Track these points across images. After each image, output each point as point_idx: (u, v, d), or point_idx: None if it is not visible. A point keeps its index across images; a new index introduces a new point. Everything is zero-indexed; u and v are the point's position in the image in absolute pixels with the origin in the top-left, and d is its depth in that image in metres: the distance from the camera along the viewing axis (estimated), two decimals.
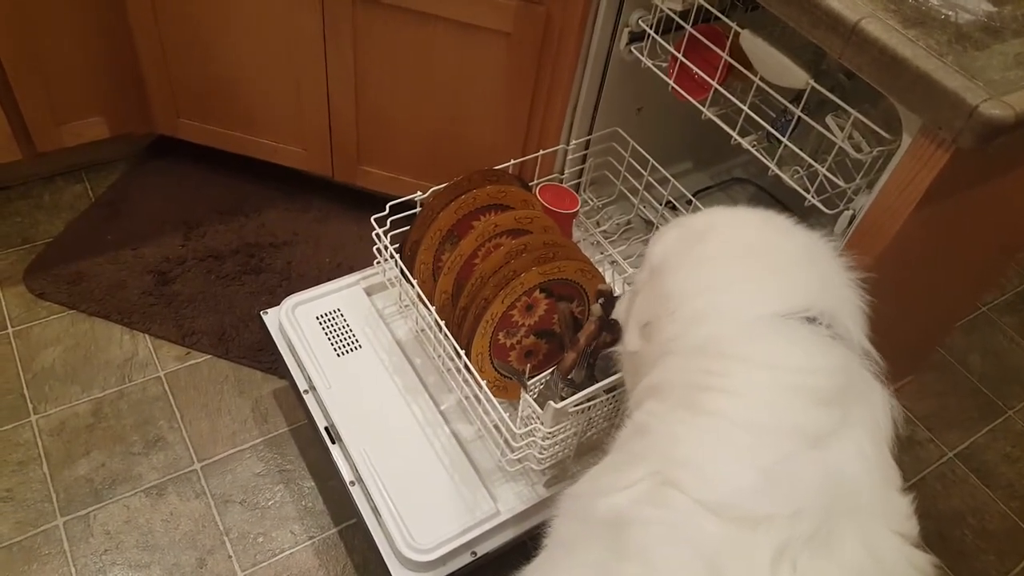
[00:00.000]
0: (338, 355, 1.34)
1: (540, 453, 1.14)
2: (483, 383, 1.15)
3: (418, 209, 1.30)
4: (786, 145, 1.16)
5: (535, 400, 1.14)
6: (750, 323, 0.77)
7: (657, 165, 1.46)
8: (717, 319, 0.78)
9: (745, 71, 1.17)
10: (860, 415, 0.73)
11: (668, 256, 0.87)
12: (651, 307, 0.86)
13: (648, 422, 0.76)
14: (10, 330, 1.57)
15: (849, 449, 0.70)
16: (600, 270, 1.27)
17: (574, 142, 1.50)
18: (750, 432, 0.69)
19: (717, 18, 1.19)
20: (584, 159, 1.56)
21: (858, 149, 1.06)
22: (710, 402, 0.72)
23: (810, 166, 1.14)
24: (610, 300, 1.17)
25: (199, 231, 1.79)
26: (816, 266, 0.84)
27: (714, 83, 1.22)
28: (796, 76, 1.09)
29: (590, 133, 1.51)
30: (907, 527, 0.70)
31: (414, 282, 1.26)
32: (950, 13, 0.97)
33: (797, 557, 0.63)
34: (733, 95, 1.22)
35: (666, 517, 0.67)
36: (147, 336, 1.59)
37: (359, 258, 1.76)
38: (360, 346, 1.36)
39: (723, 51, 1.19)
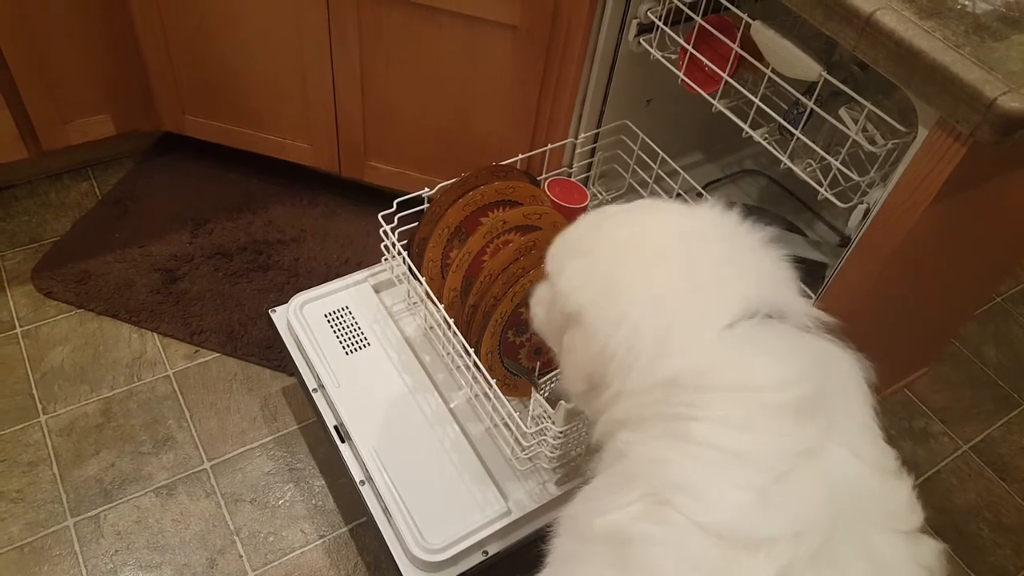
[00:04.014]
0: (347, 353, 1.33)
1: (551, 452, 1.13)
2: (492, 382, 1.14)
3: (426, 205, 1.29)
4: (798, 138, 1.15)
5: (546, 399, 1.13)
6: (703, 345, 0.72)
7: (667, 158, 1.44)
8: (669, 349, 0.72)
9: (756, 63, 1.15)
10: (843, 409, 0.70)
11: (582, 297, 0.80)
12: (588, 350, 0.79)
13: (630, 449, 0.72)
14: (18, 330, 1.57)
15: (841, 453, 0.67)
16: None
17: (583, 135, 1.48)
18: (740, 457, 0.66)
19: (727, 8, 1.17)
20: (593, 152, 1.54)
21: (872, 142, 1.04)
22: (694, 432, 0.68)
23: (823, 159, 1.12)
24: None
25: (206, 228, 1.78)
26: (739, 256, 0.78)
27: (725, 75, 1.20)
28: (809, 68, 1.07)
29: (599, 126, 1.50)
30: (911, 520, 0.67)
31: (422, 279, 1.25)
32: (967, 3, 0.95)
33: None
34: (744, 87, 1.20)
35: (669, 536, 0.65)
36: (155, 335, 1.59)
37: (367, 254, 1.75)
38: (369, 344, 1.35)
39: (733, 42, 1.17)
